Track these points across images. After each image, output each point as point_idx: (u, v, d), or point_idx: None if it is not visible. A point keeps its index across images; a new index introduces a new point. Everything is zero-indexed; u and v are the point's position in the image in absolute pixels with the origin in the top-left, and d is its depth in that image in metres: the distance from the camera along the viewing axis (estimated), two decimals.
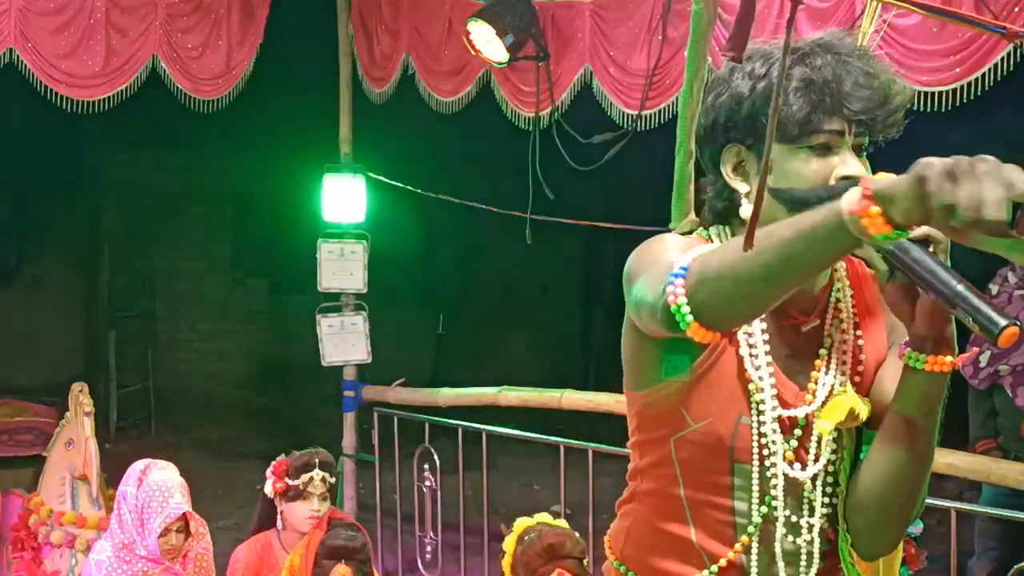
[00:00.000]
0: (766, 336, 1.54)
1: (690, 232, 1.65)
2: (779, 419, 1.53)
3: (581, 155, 4.73)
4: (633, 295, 1.47)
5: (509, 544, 2.99)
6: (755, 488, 1.54)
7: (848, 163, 1.47)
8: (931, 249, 1.33)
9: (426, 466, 5.07)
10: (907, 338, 1.46)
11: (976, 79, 3.43)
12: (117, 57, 4.92)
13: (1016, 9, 3.32)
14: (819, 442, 1.55)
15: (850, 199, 1.18)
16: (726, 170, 1.55)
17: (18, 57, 4.72)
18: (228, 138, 8.59)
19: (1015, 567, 3.41)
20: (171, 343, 10.97)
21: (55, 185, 10.30)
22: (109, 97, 4.94)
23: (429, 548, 5.15)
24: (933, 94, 3.52)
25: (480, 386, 5.19)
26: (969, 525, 4.28)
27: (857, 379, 1.58)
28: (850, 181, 1.44)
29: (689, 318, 1.32)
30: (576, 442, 4.53)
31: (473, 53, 4.69)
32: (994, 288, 4.21)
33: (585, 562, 2.98)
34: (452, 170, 7.73)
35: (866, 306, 1.62)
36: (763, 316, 1.52)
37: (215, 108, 5.24)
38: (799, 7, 1.27)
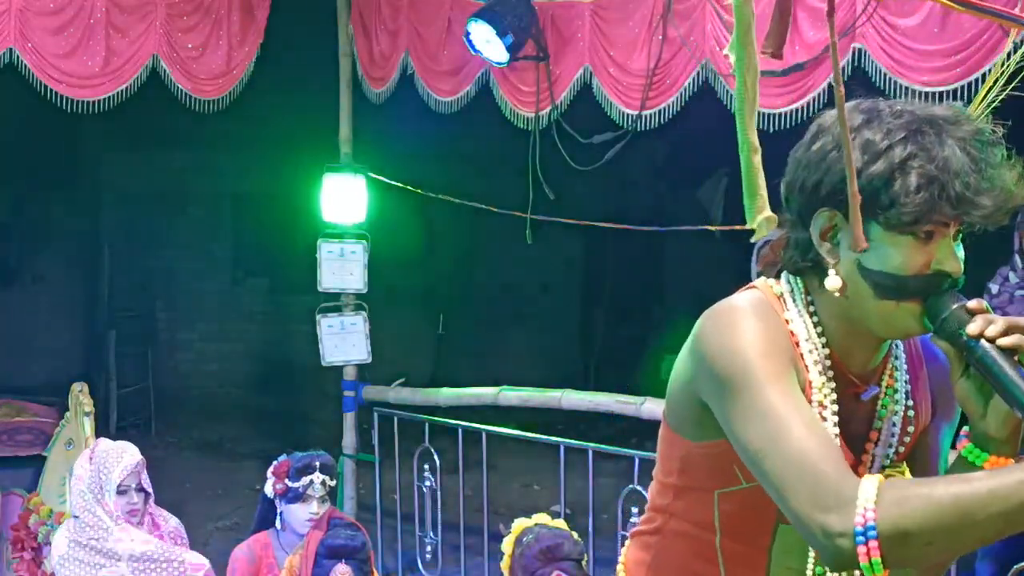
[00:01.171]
0: (836, 407, 1.50)
1: (764, 280, 1.57)
2: None
3: (581, 155, 4.74)
4: (740, 431, 1.40)
5: (507, 545, 2.99)
6: (811, 552, 1.51)
7: (949, 258, 1.42)
8: (1016, 359, 1.33)
9: (426, 466, 5.07)
10: (965, 428, 1.44)
11: (976, 79, 3.43)
12: (117, 57, 4.92)
13: (1016, 9, 3.32)
14: None
15: None
16: (815, 231, 1.47)
17: (18, 57, 4.72)
18: (228, 138, 8.59)
19: (1015, 567, 3.41)
20: (171, 343, 10.96)
21: (55, 185, 10.29)
22: (109, 97, 4.94)
23: (429, 548, 5.15)
24: (933, 94, 3.52)
25: (480, 386, 5.19)
26: None
27: (901, 449, 1.56)
28: (943, 275, 1.41)
29: (880, 569, 1.25)
30: (576, 442, 4.53)
31: (473, 53, 4.69)
32: (994, 287, 4.21)
33: (584, 563, 2.98)
34: (452, 170, 7.73)
35: (915, 376, 1.60)
36: (833, 385, 1.49)
37: (215, 108, 5.24)
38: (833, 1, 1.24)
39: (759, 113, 4.26)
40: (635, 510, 3.91)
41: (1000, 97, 1.76)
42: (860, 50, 3.77)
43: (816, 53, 3.85)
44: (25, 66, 4.74)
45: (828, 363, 1.50)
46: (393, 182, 5.54)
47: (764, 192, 1.17)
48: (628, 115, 4.45)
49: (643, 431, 5.15)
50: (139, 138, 9.87)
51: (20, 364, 9.89)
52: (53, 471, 4.33)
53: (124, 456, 3.35)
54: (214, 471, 7.98)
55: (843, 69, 3.83)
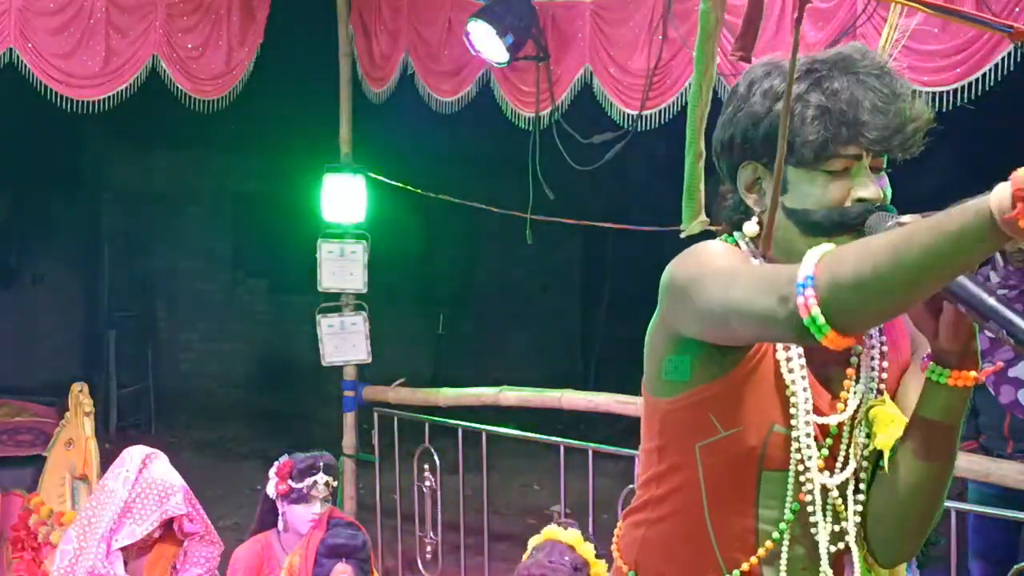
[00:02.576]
0: (800, 349, 1.53)
1: (712, 236, 1.64)
2: (814, 428, 1.53)
3: (581, 155, 4.73)
4: (706, 302, 1.43)
5: (533, 541, 2.98)
6: (788, 494, 1.54)
7: (865, 186, 1.46)
8: None
9: (426, 466, 5.07)
10: (929, 351, 1.46)
11: (977, 79, 3.43)
12: (117, 57, 4.92)
13: (1016, 9, 3.32)
14: (848, 449, 1.55)
15: (1000, 201, 1.11)
16: (740, 185, 1.55)
17: (18, 57, 4.72)
18: (228, 138, 8.60)
19: (1015, 567, 3.41)
20: (171, 343, 10.97)
21: (55, 185, 10.29)
22: (109, 97, 4.94)
23: (429, 548, 5.15)
24: (934, 94, 3.52)
25: (480, 386, 5.19)
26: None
27: (881, 386, 1.58)
28: (866, 203, 1.44)
29: (826, 328, 1.27)
30: (576, 442, 4.53)
31: (473, 53, 4.69)
32: None
33: None
34: (452, 170, 7.73)
35: None
36: None
37: (215, 108, 5.23)
38: (807, 4, 1.28)
39: None
40: None
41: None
42: None
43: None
44: (25, 66, 4.74)
45: None
46: (393, 182, 5.54)
47: (701, 196, 1.21)
48: (628, 115, 4.45)
49: None
50: (139, 138, 9.89)
51: (20, 364, 9.90)
52: (53, 471, 4.33)
53: (168, 500, 3.13)
54: (214, 471, 7.98)
55: None
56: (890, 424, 1.51)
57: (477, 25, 4.55)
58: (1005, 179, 1.14)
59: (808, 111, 1.45)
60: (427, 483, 5.07)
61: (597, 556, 2.95)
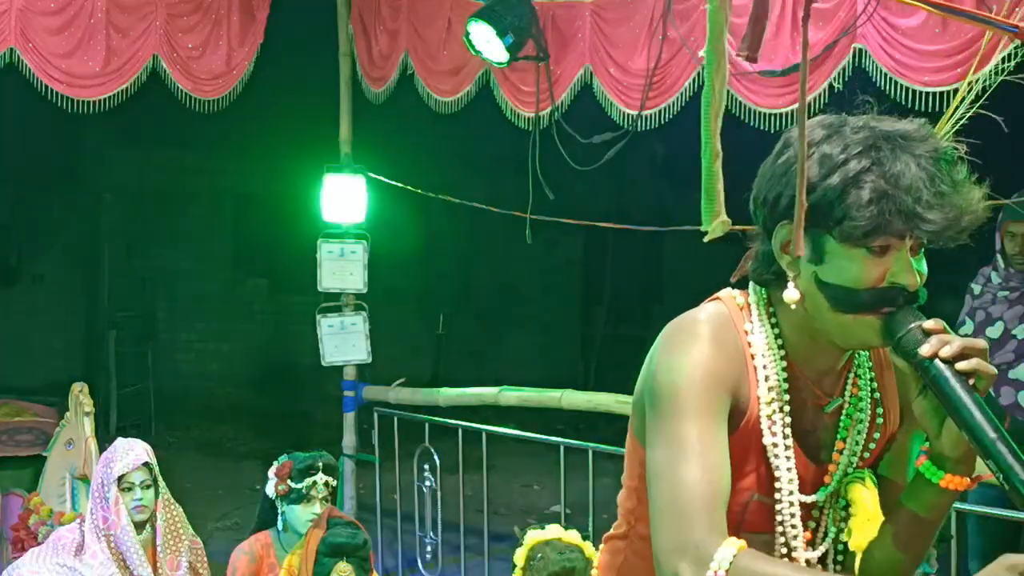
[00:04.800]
0: (789, 419, 1.52)
1: (729, 291, 1.61)
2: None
3: (581, 155, 4.73)
4: (650, 446, 1.47)
5: (519, 559, 2.97)
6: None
7: (905, 271, 1.43)
8: (972, 383, 1.34)
9: (426, 466, 5.07)
10: (926, 446, 1.47)
11: (976, 79, 3.42)
12: (117, 57, 4.92)
13: (1016, 9, 3.32)
14: (828, 522, 1.57)
15: None
16: (776, 244, 1.50)
17: (18, 57, 4.72)
18: (228, 138, 8.59)
19: None
20: (171, 343, 10.96)
21: (55, 185, 10.29)
22: (109, 97, 4.94)
23: (429, 548, 5.15)
24: (934, 94, 3.52)
25: (480, 386, 5.19)
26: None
27: (866, 455, 1.58)
28: (897, 288, 1.42)
29: None
30: (576, 442, 4.53)
31: (473, 53, 4.69)
32: (977, 287, 4.19)
33: None
34: (452, 170, 7.74)
35: (883, 384, 1.61)
36: (788, 398, 1.52)
37: (215, 108, 5.24)
38: (813, 3, 1.28)
39: (759, 113, 4.27)
40: None
41: (968, 115, 1.76)
42: (860, 50, 3.77)
43: (817, 53, 3.85)
44: (26, 66, 4.74)
45: (785, 375, 1.53)
46: (393, 182, 5.54)
47: (721, 196, 1.20)
48: (628, 115, 4.45)
49: None
50: (139, 138, 9.88)
51: (20, 364, 9.89)
52: (53, 471, 4.33)
53: (130, 453, 3.33)
54: (214, 471, 7.99)
55: (843, 69, 3.83)
56: (866, 523, 1.52)
57: (477, 25, 4.55)
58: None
59: (864, 192, 1.39)
60: (427, 483, 5.07)
61: (584, 534, 2.96)
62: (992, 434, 1.27)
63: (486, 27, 4.51)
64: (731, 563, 1.31)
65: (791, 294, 1.47)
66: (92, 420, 4.20)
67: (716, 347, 1.49)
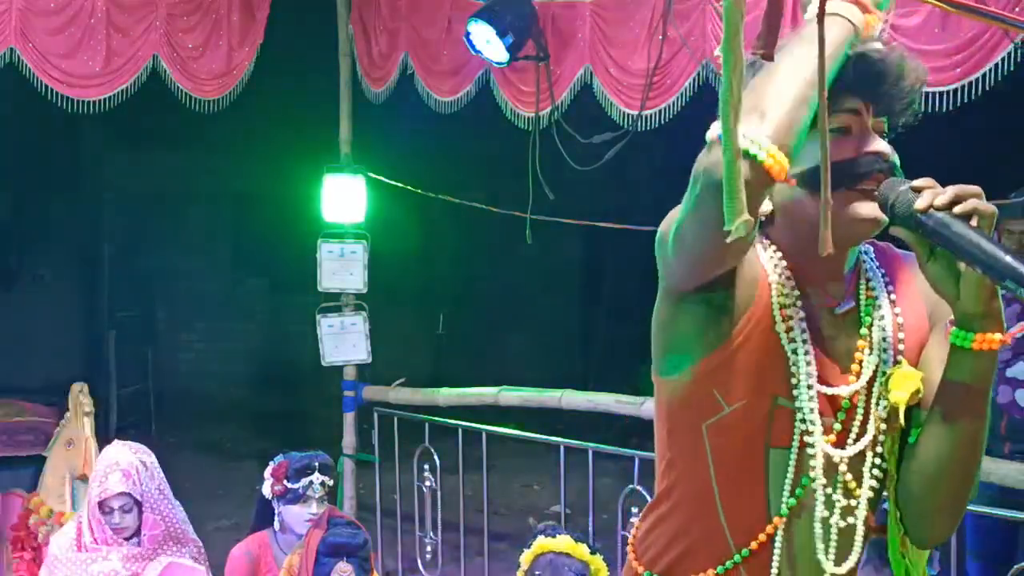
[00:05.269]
0: (802, 313, 1.51)
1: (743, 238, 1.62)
2: (820, 399, 1.50)
3: (581, 155, 4.73)
4: (674, 231, 1.46)
5: (525, 560, 2.96)
6: (791, 470, 1.52)
7: (871, 140, 1.46)
8: (974, 223, 1.32)
9: (426, 466, 5.07)
10: (951, 316, 1.44)
11: (977, 79, 3.43)
12: (117, 57, 4.92)
13: (1016, 9, 3.32)
14: (863, 422, 1.52)
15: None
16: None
17: (18, 57, 4.72)
18: (228, 138, 8.59)
19: (1015, 567, 3.41)
20: (171, 343, 10.96)
21: (55, 185, 10.29)
22: (109, 97, 4.94)
23: (429, 548, 5.15)
24: (934, 94, 3.52)
25: (480, 386, 5.19)
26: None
27: (900, 359, 1.55)
28: (875, 156, 1.44)
29: (763, 140, 1.30)
30: (576, 442, 4.53)
31: (473, 53, 4.69)
32: None
33: None
34: (452, 170, 7.72)
35: (900, 285, 1.59)
36: (797, 299, 1.51)
37: (215, 108, 5.24)
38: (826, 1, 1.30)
39: None
40: (635, 510, 3.91)
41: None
42: None
43: None
44: (26, 66, 4.74)
45: (793, 283, 1.52)
46: (393, 182, 5.54)
47: (744, 195, 1.20)
48: (628, 115, 4.45)
49: (643, 431, 5.13)
50: (139, 138, 9.88)
51: (20, 364, 9.89)
52: (53, 471, 4.33)
53: (109, 477, 3.27)
54: (214, 471, 7.99)
55: None
56: (905, 380, 1.48)
57: (477, 25, 4.55)
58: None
59: None
60: (427, 483, 5.07)
61: (593, 553, 2.94)
62: (1006, 257, 1.25)
63: (486, 27, 4.51)
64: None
65: (764, 206, 1.49)
66: (92, 420, 4.20)
67: None
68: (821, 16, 1.26)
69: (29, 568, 4.18)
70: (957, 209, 1.34)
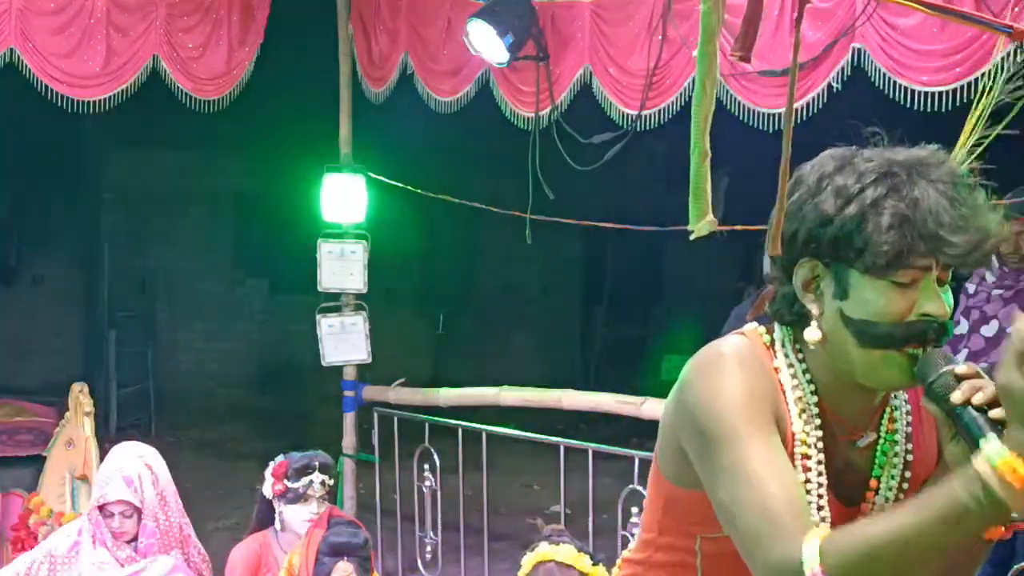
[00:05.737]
0: (822, 456, 1.48)
1: (754, 327, 1.56)
2: None
3: (581, 155, 4.73)
4: (710, 480, 1.42)
5: (526, 565, 2.95)
6: None
7: (932, 301, 1.40)
8: (1004, 429, 1.29)
9: (426, 466, 5.07)
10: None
11: (976, 79, 3.43)
12: (118, 57, 4.92)
13: (1016, 9, 3.32)
14: None
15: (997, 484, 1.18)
16: (797, 282, 1.47)
17: (18, 57, 4.72)
18: (228, 138, 8.59)
19: (1015, 567, 3.41)
20: (171, 343, 10.96)
21: (55, 185, 10.30)
22: (109, 97, 4.94)
23: (429, 548, 5.15)
24: (933, 94, 3.52)
25: (480, 386, 5.19)
26: None
27: (901, 496, 1.53)
28: (929, 320, 1.39)
29: None
30: (576, 442, 4.53)
31: (473, 53, 4.69)
32: (971, 287, 4.19)
33: None
34: (452, 170, 7.73)
35: (920, 418, 1.57)
36: (820, 434, 1.48)
37: (215, 108, 5.24)
38: (807, 4, 1.28)
39: (758, 113, 4.26)
40: (635, 510, 3.92)
41: (988, 137, 1.75)
42: (860, 50, 3.78)
43: (815, 53, 3.85)
44: (26, 66, 4.74)
45: (816, 411, 1.49)
46: (393, 182, 5.54)
47: (709, 196, 1.18)
48: (628, 115, 4.45)
49: (643, 431, 5.14)
50: (139, 138, 9.88)
51: (20, 364, 9.90)
52: (53, 471, 4.33)
53: (111, 483, 3.26)
54: (214, 471, 7.98)
55: (843, 69, 3.83)
56: None
57: (477, 25, 4.55)
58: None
59: (884, 218, 1.37)
60: (427, 483, 5.07)
61: (596, 564, 2.94)
62: None
63: (486, 27, 4.51)
64: (820, 551, 1.27)
65: (812, 334, 1.45)
66: (92, 420, 4.20)
67: (750, 373, 1.45)
68: (798, 21, 1.25)
69: None
70: (993, 413, 1.30)
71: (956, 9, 1.94)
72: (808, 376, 1.49)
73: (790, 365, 1.50)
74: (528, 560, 2.95)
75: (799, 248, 1.45)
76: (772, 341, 1.52)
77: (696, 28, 4.15)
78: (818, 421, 1.48)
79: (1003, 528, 1.37)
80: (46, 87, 4.81)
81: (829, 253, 1.42)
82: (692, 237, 1.17)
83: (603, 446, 4.39)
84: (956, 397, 1.33)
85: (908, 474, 1.54)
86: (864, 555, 1.25)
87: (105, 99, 4.94)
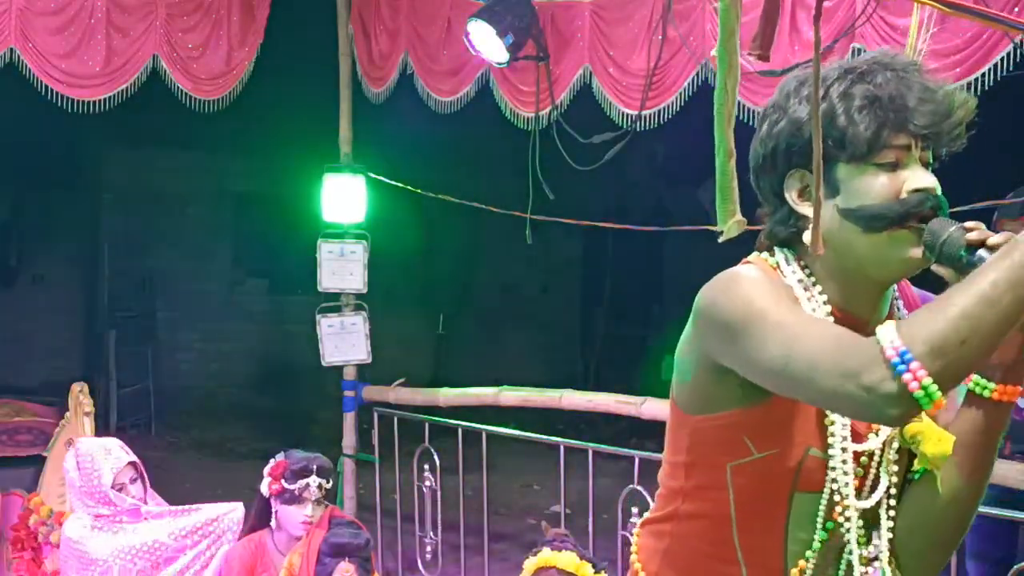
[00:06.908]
0: None
1: (757, 255, 1.59)
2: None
3: (581, 155, 4.73)
4: (761, 359, 1.39)
5: (528, 569, 2.95)
6: (820, 517, 1.52)
7: (919, 176, 1.44)
8: None
9: (426, 466, 5.07)
10: None
11: (977, 79, 3.43)
12: (118, 57, 4.92)
13: (1016, 9, 3.32)
14: (879, 470, 1.54)
15: None
16: (791, 196, 1.51)
17: (19, 57, 4.72)
18: (228, 138, 8.61)
19: (1015, 567, 3.41)
20: (171, 343, 10.97)
21: (55, 185, 10.30)
22: (109, 97, 4.94)
23: (429, 548, 5.15)
24: None
25: (480, 386, 5.19)
26: None
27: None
28: (923, 193, 1.42)
29: (937, 395, 1.24)
30: (576, 442, 4.53)
31: (473, 53, 4.69)
32: None
33: None
34: (452, 170, 7.74)
35: None
36: None
37: (215, 108, 5.24)
38: (824, 3, 1.28)
39: (759, 113, 4.25)
40: (635, 510, 3.92)
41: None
42: (860, 50, 3.78)
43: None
44: (26, 66, 4.74)
45: (831, 319, 1.49)
46: (393, 182, 5.54)
47: (736, 196, 1.19)
48: (628, 115, 4.45)
49: (643, 431, 5.15)
50: (139, 138, 9.89)
51: (20, 364, 9.90)
52: (53, 471, 4.32)
53: (110, 456, 3.41)
54: (214, 471, 7.98)
55: None
56: (939, 441, 1.47)
57: (477, 25, 4.55)
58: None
59: (854, 103, 1.43)
60: (427, 483, 5.07)
61: (597, 572, 2.93)
62: None
63: (486, 27, 4.51)
64: (896, 329, 1.26)
65: (810, 237, 1.46)
66: (92, 420, 4.20)
67: (768, 282, 1.47)
68: (816, 18, 1.26)
69: (29, 568, 4.18)
70: (992, 243, 1.33)
71: (973, 7, 1.93)
72: (819, 288, 1.52)
73: (799, 280, 1.52)
74: (530, 564, 2.94)
75: (782, 162, 1.51)
76: (777, 264, 1.55)
77: (696, 28, 4.16)
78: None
79: (1020, 387, 1.40)
80: (46, 87, 4.81)
81: (811, 157, 1.44)
82: (721, 239, 1.17)
83: (603, 446, 4.39)
84: (973, 236, 1.36)
85: None
86: (939, 314, 1.25)
87: (105, 99, 4.94)
